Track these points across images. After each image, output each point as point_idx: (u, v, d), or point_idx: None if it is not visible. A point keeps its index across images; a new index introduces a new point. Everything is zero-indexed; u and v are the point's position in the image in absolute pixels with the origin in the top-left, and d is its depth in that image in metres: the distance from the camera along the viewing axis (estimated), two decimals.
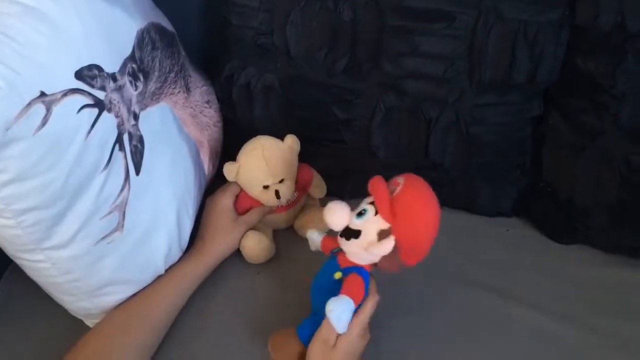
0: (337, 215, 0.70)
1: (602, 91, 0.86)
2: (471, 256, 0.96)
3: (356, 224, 0.70)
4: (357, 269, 0.72)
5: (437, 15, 0.85)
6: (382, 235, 0.69)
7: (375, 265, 0.73)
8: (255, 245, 0.90)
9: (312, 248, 0.79)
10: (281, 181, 0.89)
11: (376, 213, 0.69)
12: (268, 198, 0.89)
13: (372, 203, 0.70)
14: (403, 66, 0.89)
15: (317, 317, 0.72)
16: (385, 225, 0.68)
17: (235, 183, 0.91)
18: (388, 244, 0.68)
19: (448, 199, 1.03)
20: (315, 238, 0.78)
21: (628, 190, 0.89)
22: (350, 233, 0.70)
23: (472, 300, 0.89)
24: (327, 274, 0.74)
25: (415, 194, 0.69)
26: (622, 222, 0.92)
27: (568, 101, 0.92)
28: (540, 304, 0.88)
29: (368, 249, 0.69)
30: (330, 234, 0.76)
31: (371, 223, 0.69)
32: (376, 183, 0.69)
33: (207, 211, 0.91)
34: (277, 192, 0.89)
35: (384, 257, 0.70)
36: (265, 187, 0.89)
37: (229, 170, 0.89)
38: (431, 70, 0.88)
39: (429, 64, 0.88)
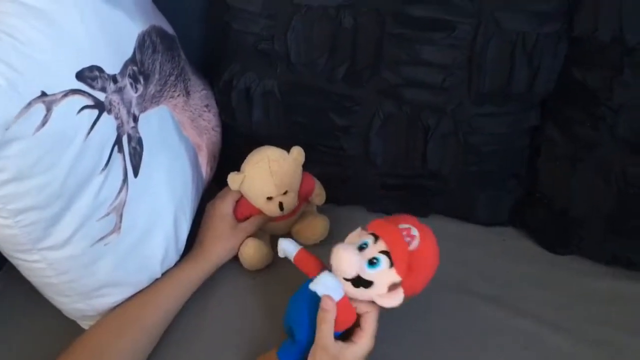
0: (349, 263, 0.68)
1: (598, 103, 0.87)
2: (467, 265, 0.96)
3: (369, 273, 0.68)
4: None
5: (438, 24, 0.85)
6: (392, 287, 0.68)
7: None
8: (255, 253, 0.90)
9: (281, 255, 0.77)
10: (285, 192, 0.89)
11: (391, 265, 0.67)
12: (271, 209, 0.89)
13: (384, 252, 0.68)
14: (402, 74, 0.89)
15: (294, 338, 0.73)
16: (397, 278, 0.67)
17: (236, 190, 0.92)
18: (398, 298, 0.68)
19: (445, 207, 1.04)
20: (290, 250, 0.76)
21: (624, 201, 0.89)
22: (361, 282, 0.68)
23: (467, 309, 0.89)
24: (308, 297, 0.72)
25: (432, 250, 0.70)
26: (617, 234, 0.93)
27: (564, 112, 0.93)
28: (535, 313, 0.88)
29: (376, 299, 0.69)
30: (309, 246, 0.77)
31: (385, 275, 0.68)
32: (394, 235, 0.68)
33: (206, 217, 0.91)
34: (280, 204, 0.89)
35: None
36: (269, 198, 0.89)
37: (234, 180, 0.89)
38: (430, 79, 0.89)
39: (428, 73, 0.88)
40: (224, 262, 0.89)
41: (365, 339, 0.70)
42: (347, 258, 0.68)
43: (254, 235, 0.92)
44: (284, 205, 0.89)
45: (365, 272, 0.68)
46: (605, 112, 0.87)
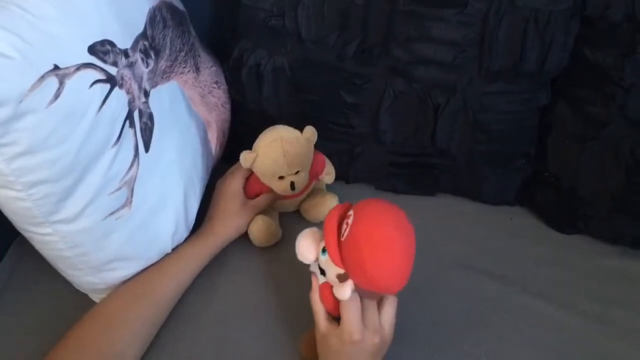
0: (304, 250, 0.67)
1: (609, 82, 0.87)
2: (474, 243, 0.97)
3: (322, 260, 0.66)
4: None
5: (449, 1, 0.85)
6: (341, 278, 0.64)
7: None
8: (264, 230, 0.91)
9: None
10: (296, 172, 0.89)
11: None
12: (282, 188, 0.90)
13: None
14: (413, 51, 0.89)
15: None
16: (341, 270, 0.64)
17: (238, 174, 0.92)
18: (347, 290, 0.63)
19: (453, 186, 1.04)
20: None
21: (632, 180, 0.89)
22: (320, 269, 0.68)
23: (474, 287, 0.90)
24: None
25: (361, 237, 0.61)
26: (625, 213, 0.93)
27: (575, 91, 0.92)
28: (541, 291, 0.89)
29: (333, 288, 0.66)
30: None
31: (330, 265, 0.65)
32: (327, 223, 0.64)
33: (217, 193, 0.91)
34: (292, 184, 0.89)
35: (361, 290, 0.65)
36: (280, 177, 0.89)
37: (246, 158, 0.88)
38: (441, 57, 0.88)
39: (439, 50, 0.88)
40: (234, 238, 0.90)
41: (345, 326, 0.65)
42: (302, 245, 0.68)
43: (263, 212, 0.92)
44: (295, 185, 0.89)
45: (320, 259, 0.67)
46: (616, 91, 0.87)
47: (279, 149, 0.87)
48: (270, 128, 0.90)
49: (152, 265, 0.81)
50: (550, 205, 1.00)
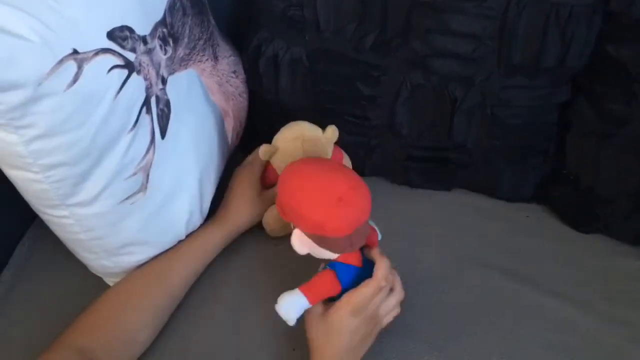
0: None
1: (632, 79, 0.85)
2: (489, 240, 0.96)
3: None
4: (331, 264, 0.72)
5: None
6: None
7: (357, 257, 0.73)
8: (279, 220, 0.91)
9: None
10: None
11: None
12: None
13: None
14: (431, 44, 0.88)
15: None
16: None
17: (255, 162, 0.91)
18: (294, 240, 0.71)
19: (469, 181, 1.04)
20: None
21: None
22: None
23: (487, 283, 0.89)
24: None
25: (283, 178, 0.71)
26: None
27: (596, 88, 0.91)
28: (555, 290, 0.88)
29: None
30: None
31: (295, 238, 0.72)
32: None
33: (234, 181, 0.92)
34: None
35: (317, 245, 0.70)
36: None
37: (265, 152, 0.88)
38: (460, 49, 0.87)
39: (458, 43, 0.87)
40: (248, 227, 0.90)
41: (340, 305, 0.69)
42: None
43: None
44: None
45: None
46: (637, 89, 0.85)
47: (299, 148, 0.87)
48: (293, 123, 0.90)
49: (165, 251, 0.82)
50: (567, 204, 0.99)
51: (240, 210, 0.89)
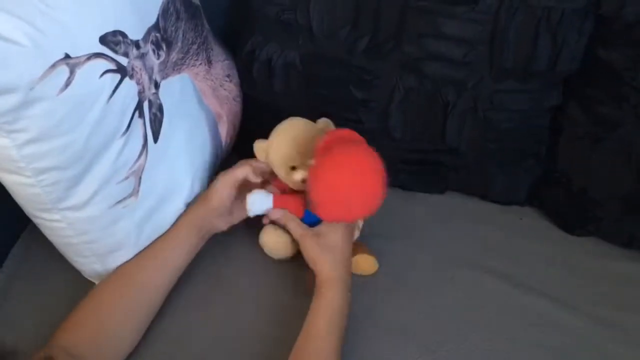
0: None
1: (623, 83, 0.86)
2: (482, 242, 0.97)
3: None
4: None
5: None
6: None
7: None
8: (277, 243, 0.89)
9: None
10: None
11: None
12: (295, 179, 0.84)
13: None
14: (423, 48, 0.88)
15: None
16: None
17: (244, 166, 0.87)
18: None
19: (462, 184, 1.04)
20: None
21: None
22: None
23: (480, 286, 0.89)
24: None
25: (335, 158, 0.76)
26: (637, 216, 0.92)
27: (587, 92, 0.92)
28: (548, 293, 0.88)
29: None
30: None
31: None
32: (329, 134, 0.79)
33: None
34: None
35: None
36: (293, 168, 0.85)
37: (260, 147, 0.86)
38: (452, 54, 0.88)
39: (450, 47, 0.88)
40: (217, 211, 0.85)
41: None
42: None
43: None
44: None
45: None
46: (629, 93, 0.86)
47: (290, 135, 0.85)
48: (284, 121, 0.89)
49: (142, 250, 0.80)
50: (560, 206, 1.00)
51: (210, 196, 0.84)
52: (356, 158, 0.76)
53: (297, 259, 0.86)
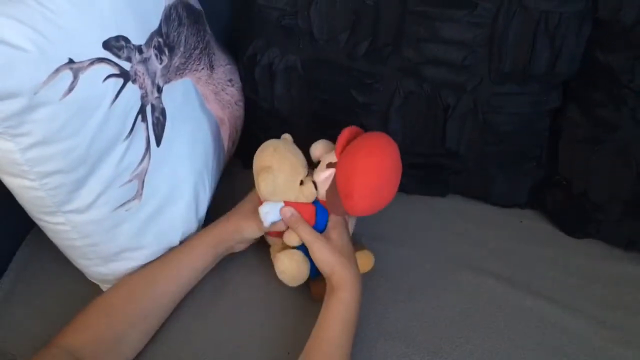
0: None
1: (621, 86, 0.86)
2: (483, 245, 0.97)
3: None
4: (316, 202, 0.84)
5: (459, 2, 0.85)
6: (330, 166, 0.80)
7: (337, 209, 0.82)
8: (299, 266, 0.84)
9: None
10: (308, 175, 0.84)
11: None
12: (308, 192, 0.83)
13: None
14: (423, 52, 0.89)
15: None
16: (334, 159, 0.80)
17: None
18: (326, 172, 0.81)
19: (463, 187, 1.05)
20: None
21: None
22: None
23: (481, 288, 0.90)
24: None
25: (365, 143, 0.79)
26: (637, 218, 0.92)
27: (586, 94, 0.92)
28: (549, 295, 0.89)
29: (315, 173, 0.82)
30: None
31: (329, 157, 0.82)
32: (346, 129, 0.81)
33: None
34: (314, 183, 0.83)
35: (329, 195, 0.81)
36: (301, 183, 0.82)
37: (266, 180, 0.80)
38: (451, 57, 0.88)
39: (449, 51, 0.88)
40: (245, 240, 0.87)
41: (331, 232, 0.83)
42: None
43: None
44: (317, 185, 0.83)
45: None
46: (627, 95, 0.86)
47: (286, 152, 0.82)
48: (257, 152, 0.84)
49: (157, 259, 0.82)
50: (560, 209, 1.00)
51: (239, 221, 0.85)
52: (381, 142, 0.80)
53: None
